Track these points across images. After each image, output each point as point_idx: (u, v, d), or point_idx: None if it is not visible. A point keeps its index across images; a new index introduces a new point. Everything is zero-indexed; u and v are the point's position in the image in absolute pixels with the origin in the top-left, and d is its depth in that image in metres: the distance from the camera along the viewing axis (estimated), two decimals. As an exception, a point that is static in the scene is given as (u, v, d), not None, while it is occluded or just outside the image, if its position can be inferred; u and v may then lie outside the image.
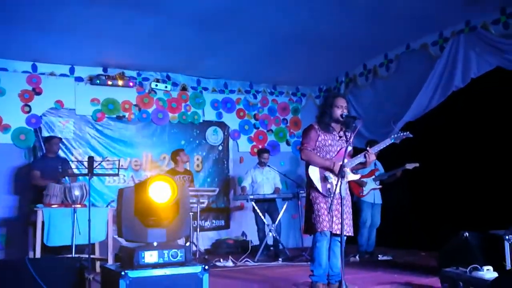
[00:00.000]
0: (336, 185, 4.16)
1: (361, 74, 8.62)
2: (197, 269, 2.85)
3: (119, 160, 5.50)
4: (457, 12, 6.38)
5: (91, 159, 4.94)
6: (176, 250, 2.86)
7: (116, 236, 4.01)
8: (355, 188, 7.19)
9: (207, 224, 8.83)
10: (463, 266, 4.36)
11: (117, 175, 5.49)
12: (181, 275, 2.81)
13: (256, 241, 7.83)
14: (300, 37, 7.14)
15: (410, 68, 7.50)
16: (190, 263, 2.88)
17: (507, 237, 4.61)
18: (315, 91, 9.84)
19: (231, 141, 9.27)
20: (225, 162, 9.21)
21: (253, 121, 9.44)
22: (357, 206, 7.16)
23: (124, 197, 2.90)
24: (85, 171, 4.97)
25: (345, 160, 4.21)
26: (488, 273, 4.08)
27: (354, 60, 8.48)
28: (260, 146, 9.08)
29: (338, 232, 4.29)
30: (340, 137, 4.55)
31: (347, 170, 4.42)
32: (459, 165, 6.86)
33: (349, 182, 7.00)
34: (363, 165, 4.53)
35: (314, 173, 4.46)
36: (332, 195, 4.21)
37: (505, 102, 6.13)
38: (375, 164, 7.27)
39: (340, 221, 4.14)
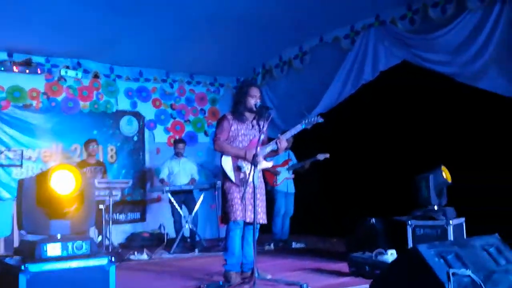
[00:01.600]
0: (249, 174, 4.20)
1: (277, 66, 8.74)
2: (103, 261, 2.78)
3: (22, 151, 5.21)
4: (368, 6, 6.62)
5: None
6: (81, 242, 2.77)
7: (22, 231, 3.81)
8: (269, 177, 7.32)
9: (122, 217, 8.60)
10: (369, 251, 4.60)
11: (21, 166, 5.21)
12: (86, 268, 2.72)
13: (173, 234, 7.75)
14: (217, 23, 7.06)
15: (323, 60, 7.69)
16: (96, 255, 2.80)
17: (409, 222, 4.92)
18: (233, 81, 9.84)
19: (147, 132, 9.08)
20: (141, 153, 9.02)
21: (169, 110, 9.31)
22: (271, 195, 7.29)
23: (25, 188, 2.77)
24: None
25: (258, 149, 4.27)
26: (392, 256, 4.33)
27: (271, 51, 8.56)
28: (177, 137, 8.97)
29: (252, 221, 4.35)
30: (253, 126, 4.61)
31: (260, 158, 4.50)
32: (367, 155, 7.20)
33: (263, 171, 7.19)
34: (275, 152, 4.61)
35: (226, 163, 4.50)
36: (245, 184, 4.25)
37: (410, 95, 6.48)
38: (288, 154, 7.44)
39: (255, 210, 4.18)
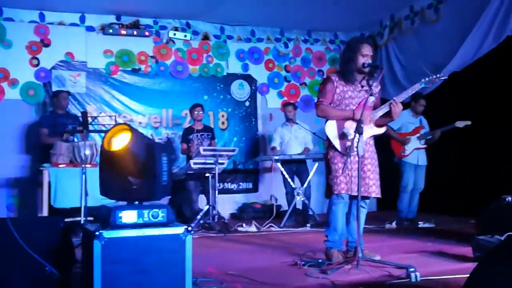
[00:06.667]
0: (353, 141, 4.09)
1: (407, 17, 8.35)
2: (179, 230, 2.91)
3: (115, 116, 5.59)
4: None
5: (85, 115, 5.05)
6: (157, 210, 2.91)
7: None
8: (396, 147, 7.07)
9: (234, 186, 8.95)
10: (500, 234, 4.28)
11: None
12: (161, 236, 2.86)
13: (286, 206, 7.87)
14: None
15: (462, 9, 7.19)
16: (172, 224, 2.94)
17: (553, 202, 4.48)
18: (356, 38, 9.58)
19: (259, 96, 9.25)
20: (253, 120, 9.22)
21: (283, 73, 9.36)
22: (397, 168, 7.07)
23: (103, 154, 2.98)
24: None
25: (365, 113, 4.13)
26: (524, 241, 3.98)
27: (400, 1, 8.19)
28: (292, 102, 8.99)
29: (363, 194, 4.25)
30: (363, 87, 4.46)
31: (369, 123, 4.37)
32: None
33: (391, 140, 6.97)
34: (389, 117, 4.42)
35: (331, 129, 4.40)
36: (349, 154, 4.15)
37: None
38: (420, 121, 7.12)
39: (359, 182, 4.07)
